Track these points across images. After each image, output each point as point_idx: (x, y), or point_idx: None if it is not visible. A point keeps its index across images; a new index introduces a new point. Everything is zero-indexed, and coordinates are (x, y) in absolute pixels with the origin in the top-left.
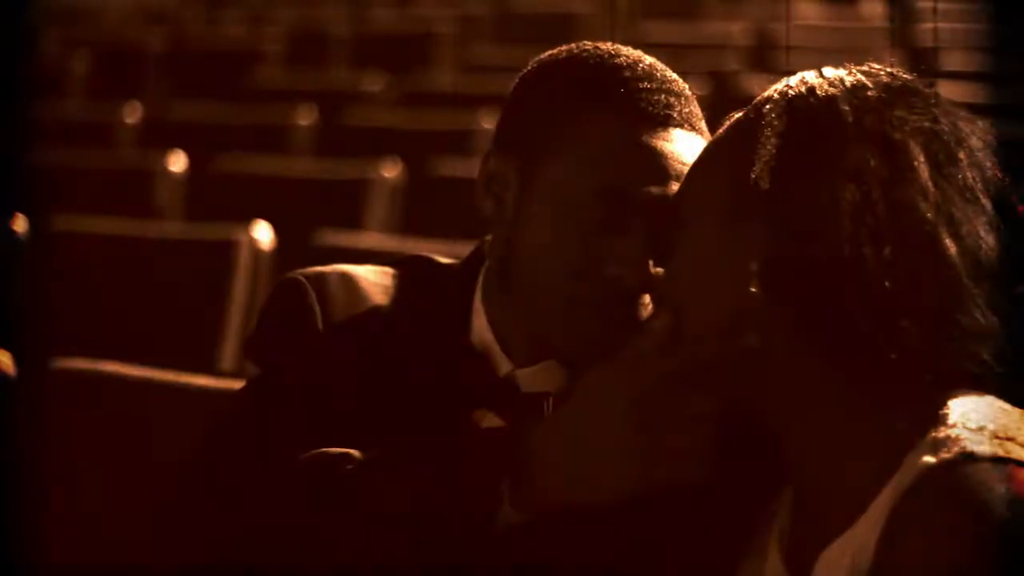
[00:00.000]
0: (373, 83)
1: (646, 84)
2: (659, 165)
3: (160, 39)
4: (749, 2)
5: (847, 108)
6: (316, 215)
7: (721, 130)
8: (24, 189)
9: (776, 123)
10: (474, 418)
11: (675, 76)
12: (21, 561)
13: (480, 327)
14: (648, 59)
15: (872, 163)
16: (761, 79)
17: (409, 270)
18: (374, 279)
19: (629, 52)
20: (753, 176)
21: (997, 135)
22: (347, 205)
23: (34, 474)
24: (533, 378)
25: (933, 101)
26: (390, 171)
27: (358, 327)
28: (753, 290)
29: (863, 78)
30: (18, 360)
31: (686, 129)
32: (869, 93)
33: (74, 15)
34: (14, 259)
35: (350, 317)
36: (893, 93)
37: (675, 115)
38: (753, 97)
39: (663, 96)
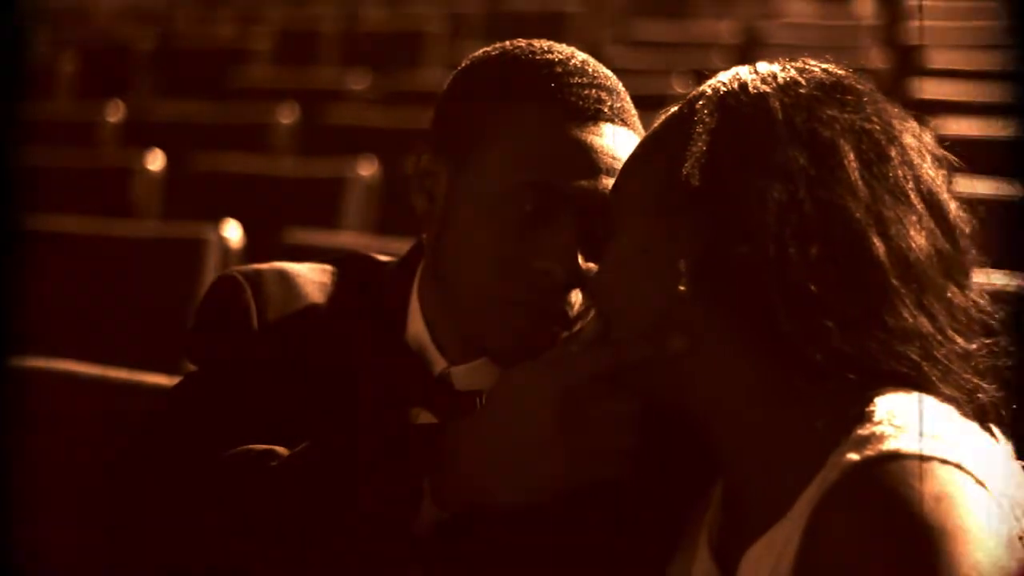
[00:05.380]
0: (358, 82)
1: (576, 79)
2: (588, 159)
3: (149, 38)
4: (738, 1)
5: (777, 106)
6: (292, 213)
7: (655, 125)
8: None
9: (707, 120)
10: (409, 416)
11: (608, 72)
12: None
13: (416, 325)
14: (581, 55)
15: (800, 162)
16: None
17: (347, 268)
18: (312, 276)
19: (562, 48)
20: (684, 173)
21: (990, 132)
22: (323, 203)
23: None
24: (467, 376)
25: (867, 98)
26: (366, 169)
27: (294, 325)
28: (682, 288)
29: (796, 75)
30: None
31: (617, 124)
32: (801, 91)
33: (63, 15)
34: None
35: (286, 315)
36: (826, 90)
37: (605, 110)
38: None
39: (593, 91)
